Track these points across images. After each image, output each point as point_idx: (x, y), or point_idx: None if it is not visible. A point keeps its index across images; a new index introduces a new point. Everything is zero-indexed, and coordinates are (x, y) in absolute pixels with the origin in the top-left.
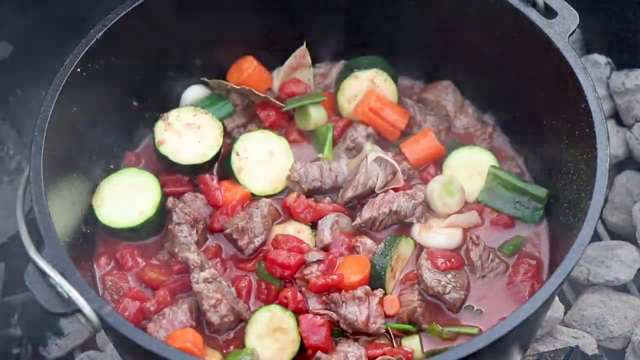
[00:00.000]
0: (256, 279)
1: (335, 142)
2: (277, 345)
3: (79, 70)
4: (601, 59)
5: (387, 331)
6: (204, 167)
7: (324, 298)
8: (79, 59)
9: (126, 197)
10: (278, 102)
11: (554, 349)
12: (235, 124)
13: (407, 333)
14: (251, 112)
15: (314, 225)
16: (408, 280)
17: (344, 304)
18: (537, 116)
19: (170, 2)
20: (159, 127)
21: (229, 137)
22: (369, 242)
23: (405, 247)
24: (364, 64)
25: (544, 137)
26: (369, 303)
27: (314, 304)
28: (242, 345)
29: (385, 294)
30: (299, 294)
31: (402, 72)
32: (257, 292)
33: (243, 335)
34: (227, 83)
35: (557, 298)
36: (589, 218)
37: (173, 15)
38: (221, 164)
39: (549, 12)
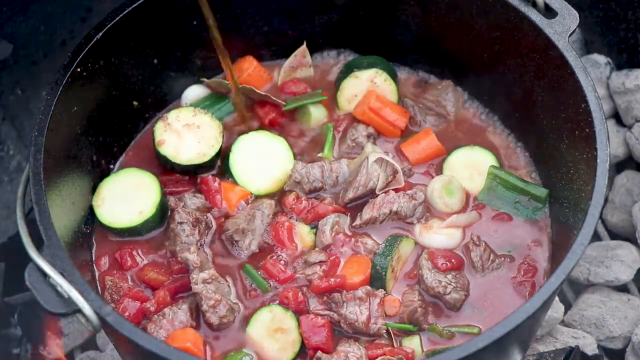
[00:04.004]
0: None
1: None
2: (278, 345)
3: (79, 70)
4: (601, 59)
5: (388, 331)
6: (204, 167)
7: (325, 298)
8: (79, 59)
9: (126, 197)
10: (278, 101)
11: (554, 349)
12: (234, 123)
13: (407, 333)
14: (251, 111)
15: (314, 226)
16: (408, 279)
17: (344, 304)
18: (537, 116)
19: (171, 2)
20: (159, 127)
21: (229, 137)
22: (369, 242)
23: (405, 248)
24: (364, 64)
25: (544, 137)
26: (370, 303)
27: (315, 304)
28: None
29: (386, 294)
30: (300, 294)
31: (402, 72)
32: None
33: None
34: (228, 82)
35: (557, 298)
36: (589, 218)
37: (173, 15)
38: (222, 164)
39: (549, 12)
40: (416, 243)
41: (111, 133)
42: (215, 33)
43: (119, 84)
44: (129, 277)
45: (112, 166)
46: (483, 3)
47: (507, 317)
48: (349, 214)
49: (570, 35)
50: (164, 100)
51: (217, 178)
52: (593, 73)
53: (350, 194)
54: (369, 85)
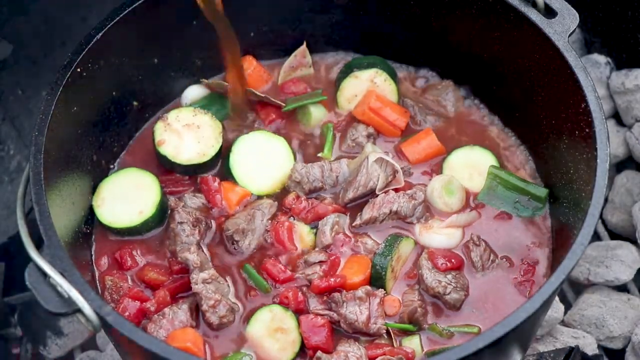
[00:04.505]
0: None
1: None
2: (278, 345)
3: (79, 70)
4: (601, 59)
5: (388, 331)
6: (204, 167)
7: (325, 298)
8: (79, 59)
9: (126, 197)
10: (278, 102)
11: (554, 349)
12: (234, 123)
13: (407, 333)
14: (251, 112)
15: (314, 226)
16: (408, 279)
17: (344, 304)
18: (537, 116)
19: (171, 2)
20: (159, 127)
21: (229, 137)
22: (369, 242)
23: (405, 248)
24: (363, 64)
25: (544, 137)
26: (370, 303)
27: (314, 304)
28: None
29: (386, 294)
30: (300, 294)
31: (402, 72)
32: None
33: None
34: (227, 84)
35: (557, 298)
36: (589, 218)
37: (173, 15)
38: (222, 164)
39: (549, 12)
40: (416, 243)
41: (111, 133)
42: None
43: (119, 84)
44: (129, 277)
45: (112, 166)
46: (483, 3)
47: (507, 317)
48: (349, 214)
49: (570, 35)
50: (164, 100)
51: (217, 178)
52: (593, 73)
53: (350, 194)
54: (369, 85)
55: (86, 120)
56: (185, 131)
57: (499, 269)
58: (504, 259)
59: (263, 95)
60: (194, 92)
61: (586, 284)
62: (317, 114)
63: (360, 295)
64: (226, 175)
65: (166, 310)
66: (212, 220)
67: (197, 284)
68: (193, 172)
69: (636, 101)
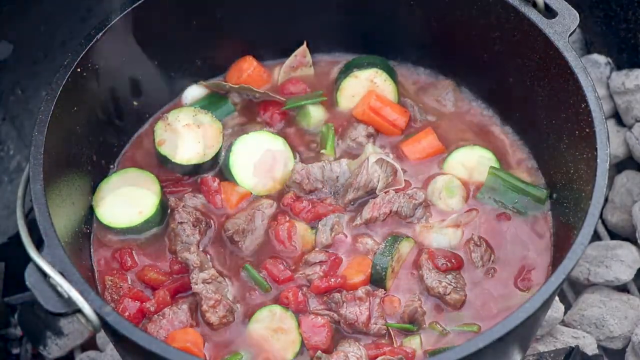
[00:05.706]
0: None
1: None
2: (278, 345)
3: (79, 70)
4: (601, 59)
5: (388, 331)
6: (204, 167)
7: (325, 298)
8: (79, 59)
9: (126, 197)
10: (277, 97)
11: (554, 349)
12: (234, 123)
13: (407, 333)
14: (251, 111)
15: (314, 226)
16: (408, 279)
17: (344, 304)
18: (537, 116)
19: (171, 2)
20: (159, 127)
21: (229, 137)
22: (369, 242)
23: (406, 248)
24: (363, 63)
25: (544, 137)
26: (370, 303)
27: (315, 304)
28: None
29: (386, 294)
30: (300, 294)
31: (402, 71)
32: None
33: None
34: (226, 84)
35: (557, 298)
36: (589, 218)
37: (173, 15)
38: (222, 164)
39: (549, 12)
40: (416, 243)
41: (111, 133)
42: None
43: (119, 84)
44: (129, 277)
45: (111, 166)
46: (483, 3)
47: (507, 317)
48: (349, 213)
49: (570, 35)
50: (164, 100)
51: (217, 178)
52: (593, 73)
53: (351, 195)
54: (368, 85)
55: (86, 120)
56: (186, 131)
57: (499, 268)
58: (504, 259)
59: (262, 92)
60: (194, 92)
61: (586, 284)
62: (317, 114)
63: (360, 295)
64: (226, 175)
65: (166, 310)
66: (212, 220)
67: (197, 284)
68: (193, 172)
69: (636, 101)
